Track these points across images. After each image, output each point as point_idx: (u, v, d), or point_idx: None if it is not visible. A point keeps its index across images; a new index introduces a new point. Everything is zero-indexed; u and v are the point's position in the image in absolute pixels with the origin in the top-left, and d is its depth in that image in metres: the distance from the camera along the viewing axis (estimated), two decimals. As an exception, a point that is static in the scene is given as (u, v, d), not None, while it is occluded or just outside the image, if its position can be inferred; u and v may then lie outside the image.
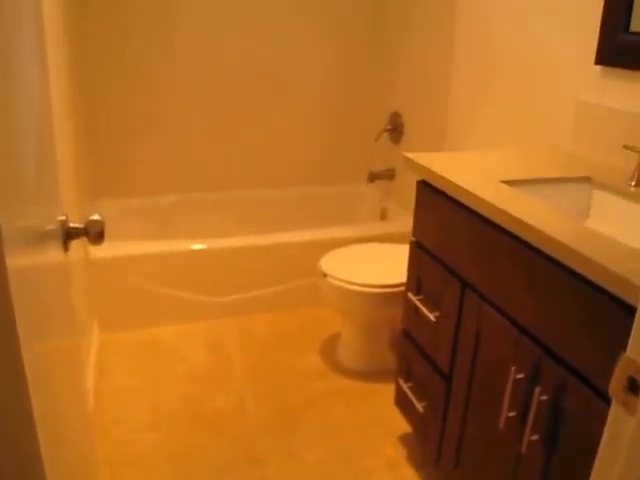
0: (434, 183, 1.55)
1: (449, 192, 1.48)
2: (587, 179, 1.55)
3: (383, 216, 3.11)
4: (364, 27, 3.15)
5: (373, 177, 3.08)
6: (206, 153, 3.12)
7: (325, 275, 2.21)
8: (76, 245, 1.37)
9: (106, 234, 0.97)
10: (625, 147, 1.52)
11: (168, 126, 3.02)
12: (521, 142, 2.09)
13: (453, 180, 1.45)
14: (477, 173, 1.52)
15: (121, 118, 2.93)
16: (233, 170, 3.19)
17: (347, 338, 2.39)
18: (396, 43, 2.99)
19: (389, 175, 3.08)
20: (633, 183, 1.48)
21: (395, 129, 2.98)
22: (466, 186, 1.40)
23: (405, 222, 2.84)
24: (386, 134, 3.06)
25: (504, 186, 1.42)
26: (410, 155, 1.66)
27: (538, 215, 1.23)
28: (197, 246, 2.60)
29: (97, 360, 2.36)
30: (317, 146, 3.28)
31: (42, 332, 0.73)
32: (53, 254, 0.86)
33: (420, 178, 1.64)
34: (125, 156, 3.00)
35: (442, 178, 1.50)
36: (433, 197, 1.58)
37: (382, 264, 2.28)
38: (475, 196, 1.36)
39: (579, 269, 1.07)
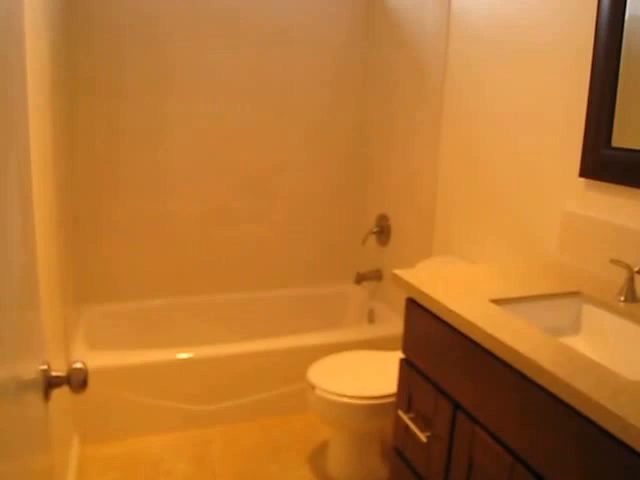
0: (423, 303, 1.53)
1: (439, 314, 1.46)
2: (577, 293, 1.55)
3: (371, 317, 3.09)
4: (351, 131, 3.24)
5: (360, 278, 3.08)
6: (192, 256, 3.11)
7: (313, 387, 2.16)
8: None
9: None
10: (612, 262, 1.52)
11: (153, 229, 3.02)
12: (508, 248, 2.11)
13: (442, 302, 1.44)
14: (466, 291, 1.51)
15: (105, 221, 2.94)
16: (220, 273, 3.18)
17: (336, 449, 2.31)
18: (383, 147, 3.06)
19: (376, 276, 3.08)
20: (622, 298, 1.48)
21: (382, 231, 3.01)
22: (456, 309, 1.39)
23: (393, 324, 2.82)
24: (373, 236, 3.08)
25: (494, 307, 1.41)
26: (399, 272, 1.65)
27: (530, 342, 1.21)
28: (182, 355, 2.54)
29: (77, 477, 2.25)
30: (305, 248, 3.29)
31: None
32: (32, 405, 0.82)
33: (409, 296, 1.64)
34: (110, 259, 2.98)
35: (431, 299, 1.48)
36: (422, 315, 1.57)
37: (371, 373, 2.23)
38: (465, 320, 1.34)
39: (573, 403, 1.04)
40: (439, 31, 2.48)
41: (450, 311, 1.40)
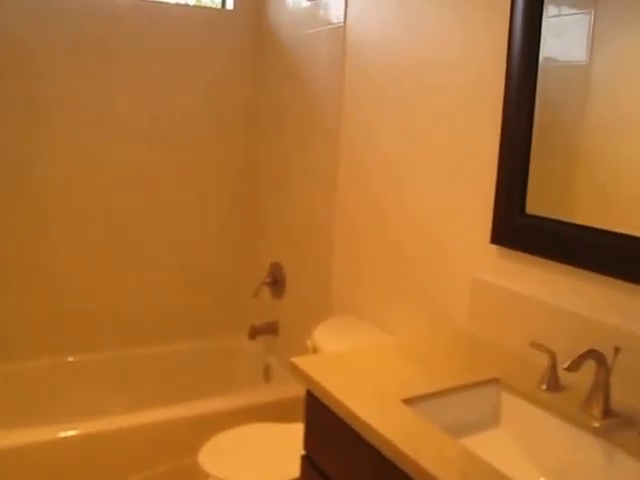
0: (327, 403, 1.31)
1: (345, 419, 1.25)
2: (495, 381, 1.39)
3: (267, 375, 2.85)
4: (240, 171, 3.01)
5: (254, 332, 2.84)
6: (69, 309, 2.76)
7: (207, 476, 1.89)
8: None
9: None
10: (532, 345, 1.38)
11: (24, 277, 2.65)
12: (416, 313, 1.94)
13: (349, 406, 1.22)
14: (374, 387, 1.31)
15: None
16: (97, 328, 2.84)
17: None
18: (276, 190, 2.85)
19: (272, 329, 2.85)
20: (544, 387, 1.34)
21: (276, 282, 2.79)
22: (364, 416, 1.18)
23: (292, 384, 2.59)
24: (266, 287, 2.85)
25: (405, 410, 1.21)
26: (297, 361, 1.43)
27: (438, 454, 1.02)
28: (62, 433, 2.19)
29: None
30: (192, 298, 3.01)
31: None
32: None
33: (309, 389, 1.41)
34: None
35: (337, 401, 1.26)
36: (326, 413, 1.35)
37: (271, 453, 1.99)
38: (375, 432, 1.13)
39: None
40: (333, 67, 2.31)
41: (358, 418, 1.19)
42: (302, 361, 1.43)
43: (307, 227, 2.56)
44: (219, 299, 3.07)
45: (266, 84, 2.88)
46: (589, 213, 1.36)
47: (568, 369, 1.16)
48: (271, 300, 2.87)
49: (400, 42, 1.97)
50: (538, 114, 1.47)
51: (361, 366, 1.42)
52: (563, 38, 1.42)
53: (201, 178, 2.94)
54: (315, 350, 2.05)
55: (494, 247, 1.61)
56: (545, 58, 1.45)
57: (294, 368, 1.42)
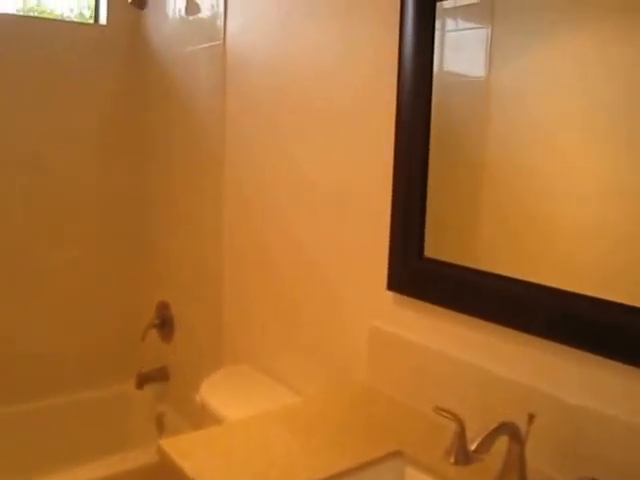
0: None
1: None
2: (398, 454, 1.21)
3: (160, 425, 2.57)
4: (122, 202, 2.73)
5: (142, 380, 2.55)
6: None
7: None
8: None
9: None
10: (436, 411, 1.20)
11: None
12: (311, 364, 1.74)
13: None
14: (256, 476, 1.10)
15: None
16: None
17: None
18: (161, 222, 2.60)
19: (162, 376, 2.58)
20: (452, 459, 1.16)
21: (164, 323, 2.52)
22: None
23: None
24: (154, 330, 2.58)
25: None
26: (165, 446, 1.19)
27: None
28: None
29: None
30: (73, 343, 2.69)
31: None
32: None
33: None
34: None
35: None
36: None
37: None
38: None
39: None
40: (214, 87, 2.10)
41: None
42: (171, 446, 1.19)
43: (195, 263, 2.32)
44: (104, 343, 2.76)
45: (147, 104, 2.62)
46: (496, 257, 1.21)
47: (476, 451, 0.99)
48: (160, 343, 2.60)
49: (281, 60, 1.78)
50: (434, 138, 1.31)
51: (242, 447, 1.20)
52: (461, 53, 1.27)
53: (80, 207, 2.64)
54: (204, 407, 1.82)
55: (391, 294, 1.43)
56: (442, 73, 1.29)
57: (162, 455, 1.19)
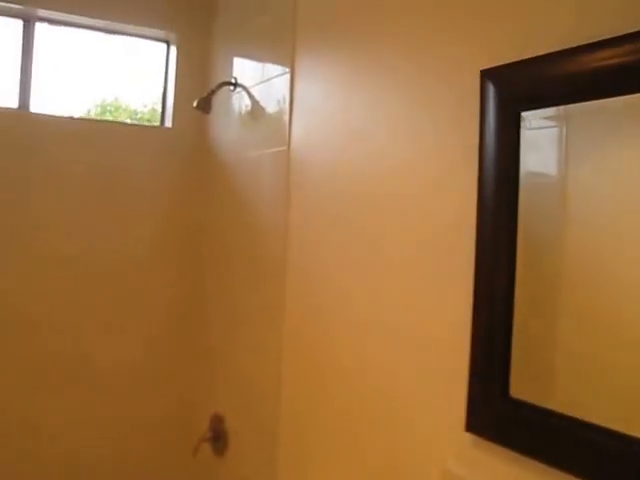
0: None
1: None
2: None
3: None
4: (177, 306, 2.66)
5: (193, 498, 2.38)
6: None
7: None
8: None
9: None
10: None
11: None
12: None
13: None
14: None
15: None
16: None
17: None
18: (218, 329, 2.50)
19: (213, 494, 2.40)
20: None
21: (217, 437, 2.37)
22: None
23: None
24: (207, 444, 2.41)
25: None
26: None
27: None
28: None
29: None
30: (124, 457, 2.55)
31: None
32: None
33: None
34: None
35: None
36: None
37: None
38: None
39: None
40: (278, 192, 2.03)
41: None
42: None
43: (252, 376, 2.18)
44: (153, 457, 2.62)
45: (208, 207, 2.59)
46: (599, 405, 1.02)
47: None
48: (212, 458, 2.43)
49: (347, 165, 1.70)
50: (522, 255, 1.15)
51: None
52: (538, 152, 1.15)
53: (137, 310, 2.58)
54: None
55: (469, 436, 1.25)
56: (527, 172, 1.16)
57: None
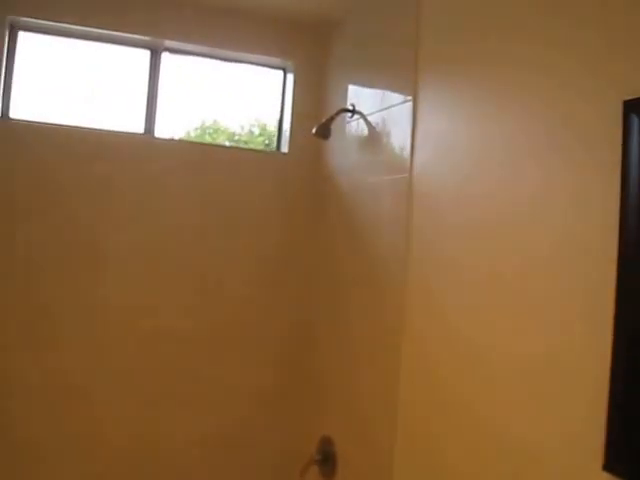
0: None
1: None
2: None
3: None
4: (289, 330, 2.71)
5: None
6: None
7: None
8: None
9: None
10: None
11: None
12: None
13: None
14: None
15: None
16: None
17: None
18: (328, 353, 2.52)
19: (321, 517, 2.41)
20: None
21: (326, 459, 2.38)
22: None
23: None
24: (315, 467, 2.43)
25: None
26: None
27: None
28: None
29: None
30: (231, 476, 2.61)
31: None
32: None
33: None
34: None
35: None
36: None
37: None
38: None
39: None
40: (398, 223, 2.03)
41: None
42: None
43: (367, 398, 2.18)
44: (262, 476, 2.66)
45: (324, 233, 2.63)
46: None
47: None
48: (320, 480, 2.44)
49: (473, 198, 1.68)
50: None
51: None
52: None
53: (252, 331, 2.66)
54: None
55: (606, 476, 1.20)
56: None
57: None
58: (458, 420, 1.69)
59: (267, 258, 2.68)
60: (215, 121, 2.88)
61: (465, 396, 1.66)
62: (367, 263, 2.25)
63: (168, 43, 2.63)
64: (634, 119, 1.20)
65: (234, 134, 2.90)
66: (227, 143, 2.87)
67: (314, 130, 2.35)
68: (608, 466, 1.19)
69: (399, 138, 2.07)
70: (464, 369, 1.68)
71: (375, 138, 2.24)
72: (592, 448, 1.22)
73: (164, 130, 2.66)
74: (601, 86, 1.30)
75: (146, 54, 2.63)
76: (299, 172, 2.71)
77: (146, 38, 2.58)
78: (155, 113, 2.62)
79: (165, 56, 2.66)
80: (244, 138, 2.90)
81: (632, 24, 1.23)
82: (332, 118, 2.36)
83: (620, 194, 1.22)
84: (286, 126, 2.75)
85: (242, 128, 2.91)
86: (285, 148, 2.73)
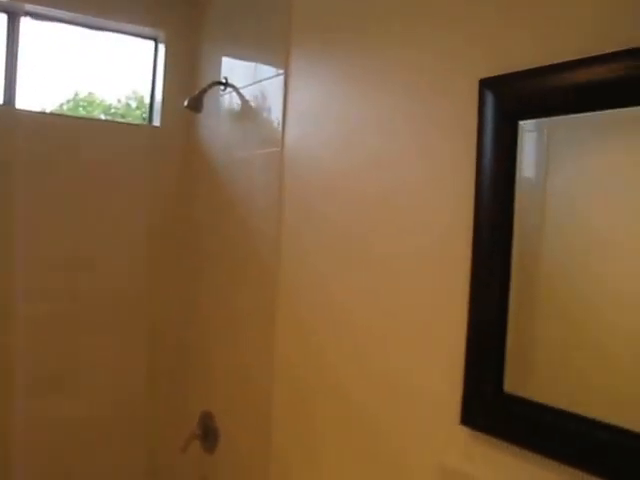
0: None
1: None
2: None
3: None
4: (167, 309, 2.67)
5: (181, 495, 2.40)
6: None
7: None
8: None
9: None
10: None
11: None
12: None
13: None
14: None
15: None
16: None
17: None
18: (207, 329, 2.51)
19: (202, 489, 2.42)
20: None
21: (207, 434, 2.38)
22: None
23: None
24: (197, 442, 2.43)
25: None
26: None
27: None
28: None
29: None
30: (113, 453, 2.56)
31: None
32: None
33: None
34: None
35: None
36: None
37: None
38: None
39: None
40: (271, 195, 2.04)
41: None
42: None
43: (243, 376, 2.20)
44: (140, 453, 2.63)
45: (199, 208, 2.59)
46: (591, 398, 1.07)
47: None
48: (202, 455, 2.45)
49: (346, 168, 1.72)
50: (517, 254, 1.20)
51: None
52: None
53: (126, 313, 2.59)
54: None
55: (464, 430, 1.29)
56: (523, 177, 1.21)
57: None
58: (329, 390, 1.75)
59: (140, 236, 2.61)
60: (90, 93, 2.75)
61: (339, 364, 1.72)
62: (241, 235, 2.25)
63: (29, 7, 2.46)
64: (488, 95, 1.27)
65: (110, 107, 2.79)
66: (102, 116, 2.75)
67: (186, 103, 2.30)
68: (465, 421, 1.28)
69: (271, 112, 2.06)
70: (337, 335, 1.73)
71: (248, 112, 2.23)
72: (452, 406, 1.31)
73: (30, 102, 2.50)
74: (461, 65, 1.36)
75: (3, 18, 2.46)
76: (172, 146, 2.65)
77: (3, 0, 2.41)
78: (15, 83, 2.46)
79: (26, 21, 2.50)
80: (121, 111, 2.79)
81: None
82: (204, 90, 2.31)
83: (475, 162, 1.29)
84: (158, 99, 2.67)
85: (119, 101, 2.80)
86: (157, 121, 2.66)
